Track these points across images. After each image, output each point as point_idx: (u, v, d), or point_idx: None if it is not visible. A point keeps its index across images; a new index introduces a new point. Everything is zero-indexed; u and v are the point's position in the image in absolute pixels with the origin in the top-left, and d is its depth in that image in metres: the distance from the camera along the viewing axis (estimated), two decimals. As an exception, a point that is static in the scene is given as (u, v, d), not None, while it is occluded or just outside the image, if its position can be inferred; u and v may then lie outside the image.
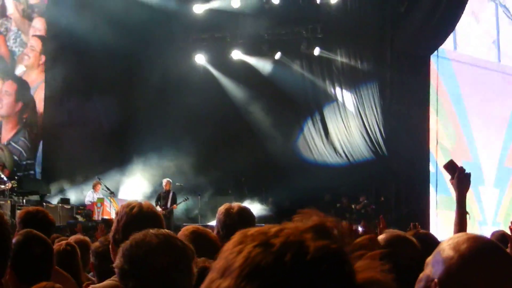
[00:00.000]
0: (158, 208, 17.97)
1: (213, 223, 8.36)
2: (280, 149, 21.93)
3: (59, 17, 22.28)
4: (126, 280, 2.46)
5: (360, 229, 19.54)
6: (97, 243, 4.88)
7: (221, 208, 4.36)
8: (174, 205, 18.64)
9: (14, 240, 3.96)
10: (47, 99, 23.82)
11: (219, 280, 1.07)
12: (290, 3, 21.08)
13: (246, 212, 4.39)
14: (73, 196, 21.22)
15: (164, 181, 18.93)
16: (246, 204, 14.05)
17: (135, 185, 21.48)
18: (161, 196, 18.71)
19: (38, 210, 5.42)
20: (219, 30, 22.33)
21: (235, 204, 4.42)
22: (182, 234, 3.80)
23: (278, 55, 21.99)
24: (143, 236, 2.46)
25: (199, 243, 3.17)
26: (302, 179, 19.54)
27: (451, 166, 4.39)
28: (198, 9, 21.96)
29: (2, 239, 1.37)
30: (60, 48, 22.30)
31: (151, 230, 2.49)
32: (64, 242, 5.23)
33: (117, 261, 2.45)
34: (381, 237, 3.30)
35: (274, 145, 22.01)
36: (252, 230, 1.10)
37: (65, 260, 4.91)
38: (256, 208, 19.41)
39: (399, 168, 20.16)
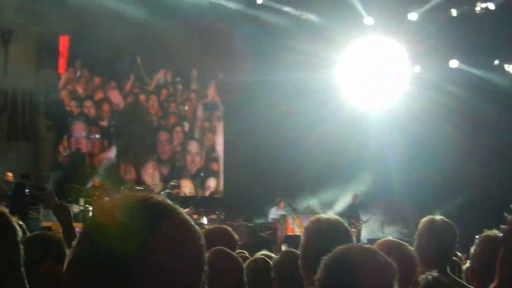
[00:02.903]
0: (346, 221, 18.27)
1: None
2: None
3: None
4: None
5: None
6: (278, 258, 4.86)
7: (425, 220, 4.27)
8: (368, 219, 18.95)
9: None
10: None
11: None
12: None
13: (449, 225, 4.26)
14: (256, 213, 21.60)
15: (354, 194, 19.24)
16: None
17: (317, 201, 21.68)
18: (352, 209, 18.98)
19: (221, 228, 5.43)
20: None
21: (438, 218, 4.30)
22: (377, 247, 3.68)
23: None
24: (347, 250, 2.40)
25: (394, 257, 3.07)
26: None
27: None
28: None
29: None
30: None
31: (353, 245, 2.44)
32: (260, 258, 5.23)
33: (319, 274, 2.44)
34: None
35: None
36: None
37: (263, 276, 4.90)
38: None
39: None
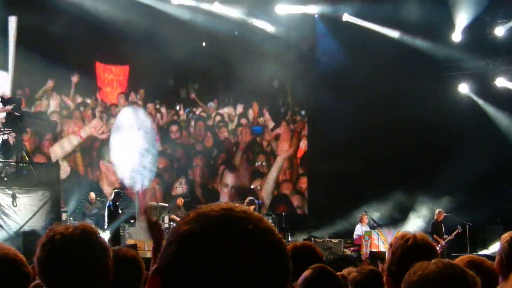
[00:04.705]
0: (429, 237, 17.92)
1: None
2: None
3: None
4: None
5: None
6: (355, 273, 4.87)
7: (506, 236, 4.07)
8: (452, 236, 18.47)
9: (304, 274, 4.06)
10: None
11: None
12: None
13: None
14: (341, 229, 21.49)
15: (438, 211, 18.80)
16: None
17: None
18: (436, 226, 18.54)
19: (305, 244, 5.43)
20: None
21: None
22: (457, 263, 3.64)
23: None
24: (427, 265, 2.42)
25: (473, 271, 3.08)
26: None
27: None
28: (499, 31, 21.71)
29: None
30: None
31: (434, 260, 2.45)
32: (343, 275, 5.26)
33: None
34: None
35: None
36: None
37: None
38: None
39: None
